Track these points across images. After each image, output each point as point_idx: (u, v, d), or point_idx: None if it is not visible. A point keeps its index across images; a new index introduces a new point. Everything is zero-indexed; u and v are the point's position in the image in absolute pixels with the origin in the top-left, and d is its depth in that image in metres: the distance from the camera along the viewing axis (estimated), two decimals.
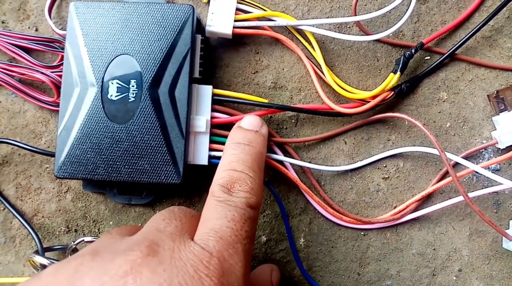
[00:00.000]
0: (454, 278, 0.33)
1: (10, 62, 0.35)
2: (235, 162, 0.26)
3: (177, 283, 0.20)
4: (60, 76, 0.33)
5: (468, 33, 0.34)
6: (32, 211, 0.35)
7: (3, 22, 0.36)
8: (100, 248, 0.23)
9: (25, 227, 0.33)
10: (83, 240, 0.32)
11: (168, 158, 0.30)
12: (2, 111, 0.35)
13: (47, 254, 0.32)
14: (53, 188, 0.35)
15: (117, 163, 0.30)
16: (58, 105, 0.34)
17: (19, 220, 0.33)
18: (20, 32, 0.35)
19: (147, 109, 0.30)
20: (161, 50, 0.31)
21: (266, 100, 0.33)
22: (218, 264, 0.21)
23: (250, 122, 0.30)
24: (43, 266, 0.31)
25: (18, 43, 0.34)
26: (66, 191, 0.35)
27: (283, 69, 0.35)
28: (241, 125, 0.30)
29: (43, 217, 0.35)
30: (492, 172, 0.33)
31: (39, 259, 0.31)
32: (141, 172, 0.30)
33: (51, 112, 0.35)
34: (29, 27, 0.36)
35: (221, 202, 0.24)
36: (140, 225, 0.32)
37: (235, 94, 0.33)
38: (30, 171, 0.35)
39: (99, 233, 0.34)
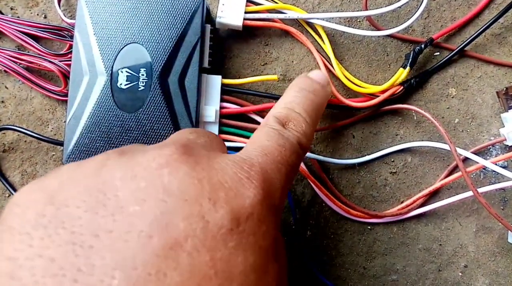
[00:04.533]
0: (460, 274, 0.34)
1: (18, 49, 0.35)
2: (296, 103, 0.26)
3: (217, 181, 0.18)
4: (68, 65, 0.33)
5: (478, 30, 0.34)
6: None
7: (11, 9, 0.36)
8: (126, 148, 0.21)
9: None
10: None
11: None
12: (9, 98, 0.35)
13: None
14: None
15: None
16: (65, 95, 0.34)
17: None
18: (28, 20, 0.35)
19: (157, 98, 0.30)
20: (171, 39, 0.31)
21: (276, 77, 0.33)
22: (259, 172, 0.20)
23: (319, 76, 0.29)
24: None
25: (26, 31, 0.34)
26: None
27: (292, 61, 0.35)
28: (309, 75, 0.29)
29: None
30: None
31: None
32: None
33: (58, 100, 0.35)
34: (37, 14, 0.36)
35: (274, 130, 0.23)
36: None
37: (244, 80, 0.32)
38: (36, 158, 0.35)
39: None
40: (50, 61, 0.33)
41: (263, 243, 0.18)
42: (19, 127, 0.33)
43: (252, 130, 0.33)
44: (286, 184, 0.22)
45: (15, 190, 0.34)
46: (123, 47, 0.31)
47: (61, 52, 0.34)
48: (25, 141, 0.35)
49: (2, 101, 0.35)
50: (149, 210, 0.17)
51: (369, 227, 0.34)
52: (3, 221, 0.18)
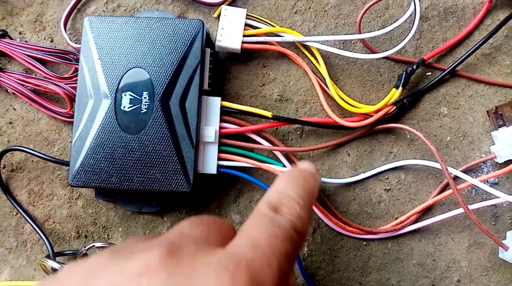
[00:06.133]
0: None
1: (26, 72, 0.36)
2: (288, 188, 0.25)
3: None
4: (73, 87, 0.34)
5: (468, 51, 0.35)
6: (44, 216, 0.36)
7: (20, 33, 0.37)
8: (121, 248, 0.21)
9: (37, 232, 0.34)
10: (94, 245, 0.33)
11: (178, 167, 0.31)
12: (17, 119, 0.36)
13: (58, 258, 0.33)
14: (65, 194, 0.36)
15: (130, 172, 0.31)
16: (70, 116, 0.35)
17: (31, 225, 0.35)
18: (35, 44, 0.36)
19: (158, 120, 0.31)
20: (172, 63, 0.32)
21: (270, 114, 0.34)
22: (245, 272, 0.18)
23: (306, 166, 0.28)
24: (54, 270, 0.32)
25: (34, 55, 0.36)
26: (77, 198, 0.36)
27: (289, 82, 0.36)
28: (298, 166, 0.29)
29: (54, 222, 0.36)
30: (491, 186, 0.34)
31: (50, 263, 0.32)
32: (153, 181, 0.31)
33: (64, 121, 0.36)
34: (44, 38, 0.37)
35: (265, 216, 0.22)
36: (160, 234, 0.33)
37: (242, 107, 0.34)
38: (42, 177, 0.36)
39: (109, 239, 0.35)
40: (56, 84, 0.35)
41: None
42: (26, 148, 0.34)
43: (251, 150, 0.34)
44: (280, 276, 0.20)
45: (22, 208, 0.35)
46: (126, 71, 0.32)
47: (67, 75, 0.35)
48: (32, 161, 0.36)
49: (11, 123, 0.36)
50: None
51: (364, 243, 0.35)
52: None
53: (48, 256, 0.33)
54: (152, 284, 0.18)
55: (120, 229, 0.35)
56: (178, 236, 0.22)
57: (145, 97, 0.32)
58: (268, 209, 0.23)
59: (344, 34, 0.36)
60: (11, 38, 0.37)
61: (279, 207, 0.23)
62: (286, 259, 0.20)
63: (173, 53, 0.32)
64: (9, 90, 0.36)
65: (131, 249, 0.21)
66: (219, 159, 0.33)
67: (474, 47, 0.35)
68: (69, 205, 0.36)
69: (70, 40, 0.36)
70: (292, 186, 0.25)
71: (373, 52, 0.35)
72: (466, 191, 0.35)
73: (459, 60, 0.35)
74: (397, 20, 0.33)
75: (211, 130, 0.33)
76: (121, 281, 0.18)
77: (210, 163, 0.33)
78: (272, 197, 0.24)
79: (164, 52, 0.32)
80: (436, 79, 0.35)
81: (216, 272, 0.18)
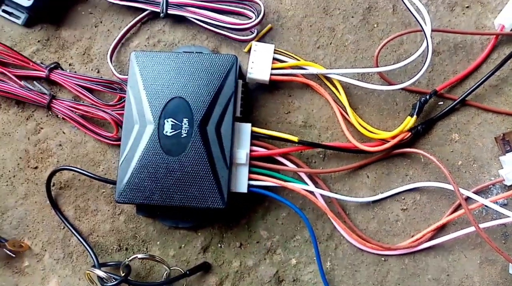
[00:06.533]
0: None
1: (74, 100, 0.40)
2: None
3: None
4: (119, 114, 0.38)
5: (477, 82, 0.38)
6: (89, 230, 0.39)
7: (70, 65, 0.42)
8: None
9: (82, 244, 0.38)
10: (137, 256, 0.36)
11: (214, 186, 0.35)
12: (66, 142, 0.40)
13: (102, 269, 0.36)
14: (108, 210, 0.39)
15: (170, 190, 0.35)
16: (115, 140, 0.39)
17: (77, 238, 0.38)
18: (84, 74, 0.40)
19: (197, 143, 0.35)
20: (209, 93, 0.36)
21: (296, 139, 0.37)
22: None
23: None
24: (100, 279, 0.35)
25: (82, 84, 0.40)
26: (120, 213, 0.39)
27: (312, 110, 0.40)
28: None
29: (97, 236, 0.39)
30: (500, 206, 0.36)
31: (97, 272, 0.35)
32: (191, 198, 0.35)
33: (108, 144, 0.40)
34: (91, 69, 0.41)
35: None
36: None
37: (271, 132, 0.37)
38: (88, 194, 0.40)
39: (147, 251, 0.39)
40: (104, 111, 0.38)
41: None
42: (75, 167, 0.38)
43: (278, 171, 0.38)
44: None
45: (69, 223, 0.39)
46: (169, 101, 0.36)
47: (112, 103, 0.39)
48: (79, 180, 0.40)
49: (60, 145, 0.40)
50: None
51: (383, 259, 0.38)
52: None
53: (94, 266, 0.36)
54: None
55: (158, 242, 0.39)
56: None
57: (185, 123, 0.35)
58: None
59: (363, 67, 0.40)
60: (62, 69, 0.41)
61: None
62: None
63: (210, 84, 0.36)
64: (59, 116, 0.40)
65: None
66: (249, 179, 0.36)
67: (483, 79, 0.38)
68: (112, 220, 0.39)
69: (115, 71, 0.40)
70: None
71: (390, 84, 0.39)
72: (477, 211, 0.38)
73: (469, 91, 0.38)
74: (411, 55, 0.36)
75: (243, 153, 0.36)
76: None
77: (242, 183, 0.36)
78: None
79: (202, 83, 0.36)
80: (448, 108, 0.39)
81: None
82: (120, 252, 0.39)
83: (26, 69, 0.40)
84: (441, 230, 0.38)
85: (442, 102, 0.39)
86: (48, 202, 0.39)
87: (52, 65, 0.40)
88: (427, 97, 0.38)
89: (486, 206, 0.35)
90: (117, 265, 0.37)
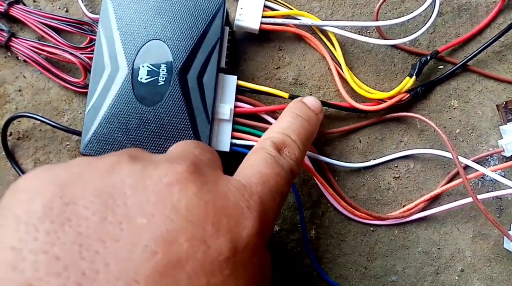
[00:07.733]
0: (457, 277, 0.35)
1: (39, 40, 0.36)
2: (291, 130, 0.27)
3: (221, 206, 0.19)
4: (88, 58, 0.34)
5: (480, 47, 0.36)
6: None
7: (34, 1, 0.37)
8: (136, 154, 0.21)
9: None
10: None
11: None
12: (27, 87, 0.36)
13: None
14: None
15: (144, 144, 0.31)
16: (82, 87, 0.35)
17: None
18: (51, 12, 0.36)
19: (175, 93, 0.31)
20: (192, 38, 0.32)
21: (287, 95, 0.34)
22: (258, 202, 0.21)
23: (312, 103, 0.31)
24: None
25: (48, 23, 0.35)
26: None
27: (304, 67, 0.36)
28: (304, 101, 0.31)
29: None
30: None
31: None
32: None
33: (75, 91, 0.36)
34: (59, 8, 0.37)
35: (271, 156, 0.24)
36: None
37: (260, 87, 0.34)
38: (50, 147, 0.35)
39: None
40: (72, 54, 0.34)
41: (253, 273, 0.19)
42: (36, 115, 0.34)
43: (264, 130, 0.34)
44: (277, 213, 0.23)
45: None
46: (145, 43, 0.32)
47: (82, 45, 0.35)
48: (40, 130, 0.35)
49: (20, 90, 0.36)
50: (156, 225, 0.18)
51: (371, 229, 0.35)
52: (7, 206, 0.18)
53: None
54: (183, 195, 0.19)
55: None
56: (193, 157, 0.22)
57: (163, 70, 0.31)
58: (273, 148, 0.25)
59: (361, 21, 0.37)
60: (25, 5, 0.36)
61: (282, 149, 0.26)
62: (283, 198, 0.24)
63: (193, 27, 0.32)
64: (20, 57, 0.36)
65: (150, 159, 0.21)
66: (233, 137, 0.33)
67: (486, 44, 0.36)
68: None
69: (87, 10, 0.35)
70: (296, 127, 0.28)
71: (388, 40, 0.35)
72: (472, 182, 0.35)
73: (471, 56, 0.36)
74: (412, 12, 0.33)
75: (226, 108, 0.33)
76: (152, 185, 0.19)
77: (224, 140, 0.33)
78: (277, 136, 0.27)
79: (184, 26, 0.32)
80: (448, 72, 0.36)
81: (235, 196, 0.20)
82: None
83: None
84: (434, 200, 0.35)
85: (442, 66, 0.37)
86: (3, 152, 0.35)
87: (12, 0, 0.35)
88: (428, 57, 0.35)
89: (483, 177, 0.33)
90: None
